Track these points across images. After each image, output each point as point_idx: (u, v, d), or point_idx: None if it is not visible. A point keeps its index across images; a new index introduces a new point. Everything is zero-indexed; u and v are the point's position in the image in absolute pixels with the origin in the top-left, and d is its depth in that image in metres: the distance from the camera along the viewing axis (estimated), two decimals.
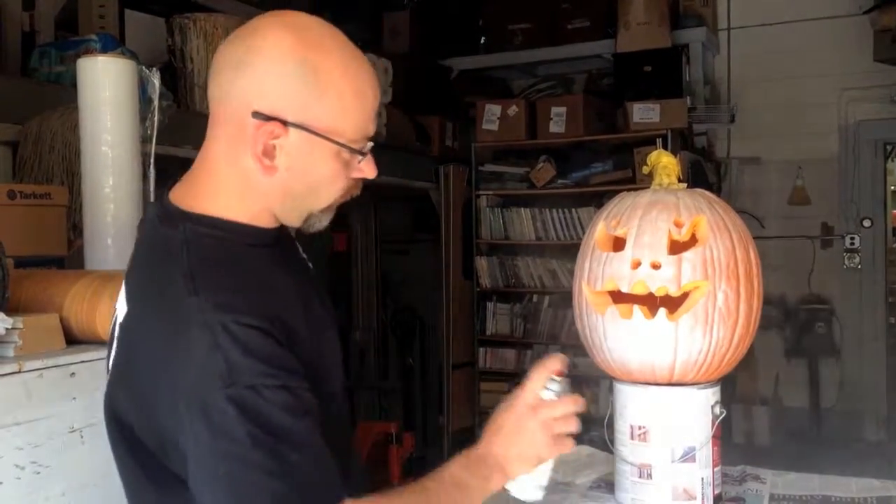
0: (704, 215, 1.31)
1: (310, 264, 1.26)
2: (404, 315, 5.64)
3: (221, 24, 3.24)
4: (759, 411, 5.25)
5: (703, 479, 1.31)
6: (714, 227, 1.30)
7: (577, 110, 5.01)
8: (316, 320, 1.13)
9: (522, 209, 5.22)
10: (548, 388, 1.12)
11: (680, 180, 1.42)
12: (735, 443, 5.09)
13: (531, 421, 1.12)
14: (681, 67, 5.07)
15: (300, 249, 1.26)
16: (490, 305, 5.35)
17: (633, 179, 4.77)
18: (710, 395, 1.33)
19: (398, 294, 5.76)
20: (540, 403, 1.12)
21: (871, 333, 5.35)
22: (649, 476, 1.32)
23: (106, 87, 1.85)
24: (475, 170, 5.30)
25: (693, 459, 1.31)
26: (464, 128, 5.42)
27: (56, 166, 2.37)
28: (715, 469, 1.33)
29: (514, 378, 5.34)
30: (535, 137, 5.14)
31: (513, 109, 5.15)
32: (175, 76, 3.24)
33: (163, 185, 1.69)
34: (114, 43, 2.92)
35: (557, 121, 5.04)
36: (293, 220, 1.11)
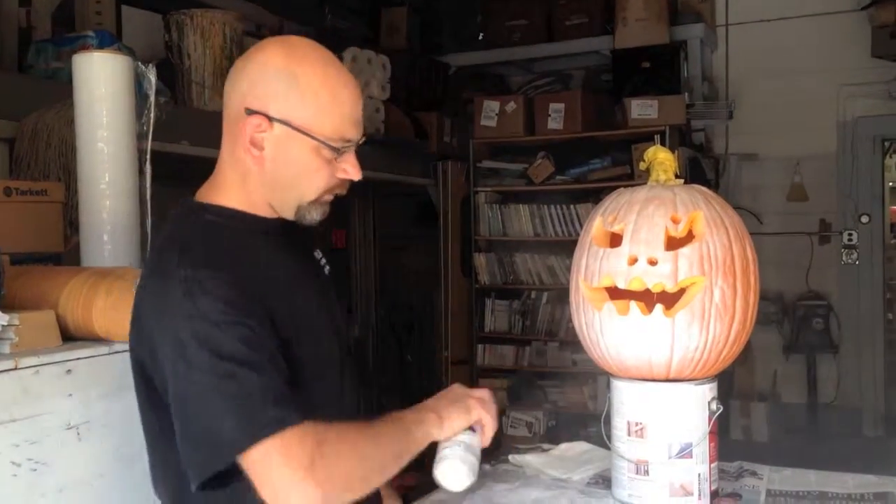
0: (701, 211, 1.31)
1: (327, 267, 1.41)
2: (402, 311, 5.64)
3: (218, 20, 3.23)
4: (757, 407, 5.26)
5: (699, 474, 1.31)
6: (711, 223, 1.30)
7: (576, 107, 5.01)
8: (308, 314, 1.26)
9: (520, 205, 5.22)
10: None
11: (677, 176, 1.42)
12: (733, 439, 5.09)
13: (460, 389, 1.34)
14: (679, 64, 5.06)
15: (319, 253, 1.40)
16: (488, 302, 5.35)
17: (632, 176, 4.77)
18: (707, 391, 1.33)
19: (396, 291, 5.76)
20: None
21: (869, 329, 5.35)
22: (646, 472, 1.32)
23: (102, 83, 1.84)
24: (473, 166, 5.29)
25: (690, 455, 1.31)
26: (462, 124, 5.42)
27: (52, 163, 2.37)
28: (712, 465, 1.33)
29: (512, 374, 5.35)
30: (534, 134, 5.13)
31: (511, 106, 5.15)
32: (172, 72, 3.24)
33: (159, 182, 1.73)
34: (111, 39, 2.92)
35: (555, 117, 5.03)
36: (287, 211, 1.26)
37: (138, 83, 1.96)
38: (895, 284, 6.27)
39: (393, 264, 5.73)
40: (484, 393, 1.33)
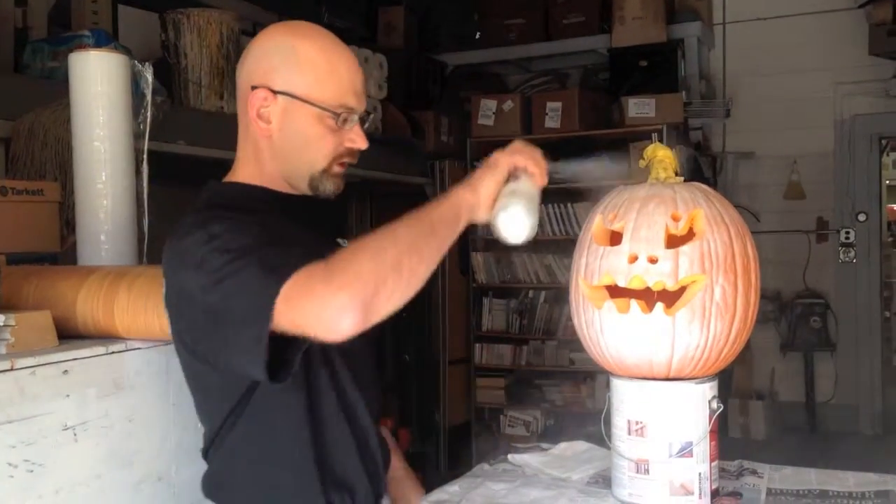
0: (702, 209, 1.30)
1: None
2: (400, 311, 5.61)
3: (215, 20, 3.22)
4: (755, 406, 5.26)
5: (700, 474, 1.31)
6: (711, 221, 1.30)
7: (573, 105, 5.00)
8: None
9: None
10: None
11: (676, 174, 1.41)
12: (731, 437, 5.09)
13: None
14: (676, 62, 5.06)
15: (346, 242, 1.41)
16: (486, 301, 5.35)
17: (630, 174, 4.77)
18: (708, 390, 1.33)
19: None
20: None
21: (867, 327, 5.36)
22: (647, 471, 1.31)
23: (98, 81, 1.83)
24: (471, 165, 5.28)
25: (690, 454, 1.30)
26: (459, 123, 5.41)
27: (48, 162, 2.35)
28: (712, 464, 1.33)
29: (510, 374, 5.35)
30: (531, 132, 5.12)
31: (508, 104, 5.14)
32: (168, 72, 3.22)
33: (155, 182, 1.73)
34: (107, 38, 2.90)
35: (553, 116, 5.03)
36: (300, 183, 1.32)
37: (135, 82, 1.94)
38: (892, 282, 6.28)
39: None
40: (512, 147, 1.30)
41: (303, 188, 1.33)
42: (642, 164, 1.43)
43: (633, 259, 1.29)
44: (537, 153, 1.30)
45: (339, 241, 1.44)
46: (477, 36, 5.80)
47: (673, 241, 1.29)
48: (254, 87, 1.28)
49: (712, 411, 1.33)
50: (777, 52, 5.31)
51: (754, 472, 1.49)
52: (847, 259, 5.36)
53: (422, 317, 5.53)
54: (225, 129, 3.18)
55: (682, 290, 1.28)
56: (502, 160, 1.27)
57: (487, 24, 5.67)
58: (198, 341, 1.21)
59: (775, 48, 5.31)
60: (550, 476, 1.53)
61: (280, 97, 1.27)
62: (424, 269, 1.15)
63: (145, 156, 1.91)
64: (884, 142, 5.57)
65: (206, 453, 1.38)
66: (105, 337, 1.52)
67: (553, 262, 5.17)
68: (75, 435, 1.40)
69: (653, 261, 1.28)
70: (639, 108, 4.81)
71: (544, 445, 1.71)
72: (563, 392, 5.14)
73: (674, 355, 1.29)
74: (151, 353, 1.53)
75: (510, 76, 5.96)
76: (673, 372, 1.31)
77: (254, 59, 1.30)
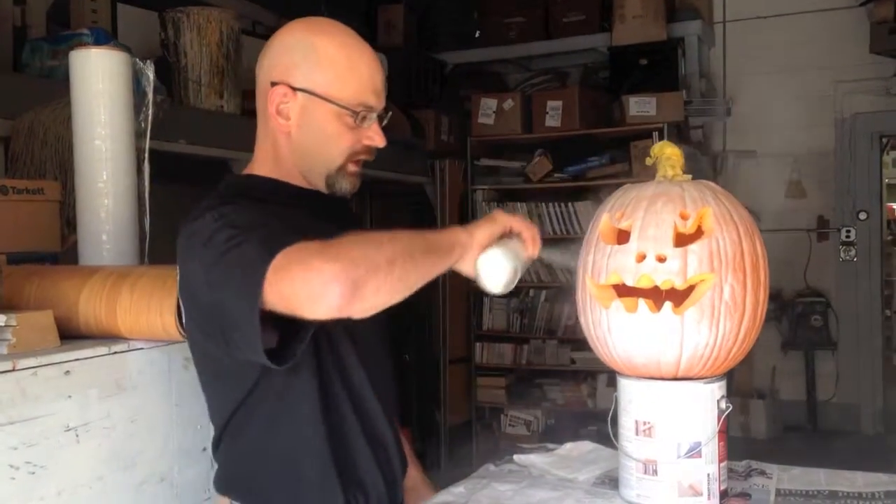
0: (710, 207, 1.29)
1: None
2: (400, 310, 5.60)
3: (215, 18, 3.20)
4: (756, 405, 5.26)
5: (709, 474, 1.29)
6: (720, 219, 1.28)
7: (573, 104, 4.99)
8: None
9: (518, 203, 5.20)
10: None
11: (683, 172, 1.40)
12: (731, 436, 5.07)
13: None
14: (676, 61, 5.05)
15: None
16: (486, 300, 5.34)
17: (630, 173, 4.76)
18: (717, 390, 1.31)
19: None
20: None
21: (867, 326, 5.35)
22: (655, 472, 1.30)
23: (100, 79, 1.82)
24: (471, 164, 5.28)
25: (699, 455, 1.29)
26: (459, 122, 5.40)
27: (48, 161, 2.34)
28: (721, 464, 1.32)
29: (510, 373, 5.34)
30: (531, 131, 5.12)
31: (508, 103, 5.13)
32: (168, 70, 3.21)
33: (155, 182, 1.73)
34: (106, 37, 2.89)
35: (553, 114, 5.02)
36: (317, 180, 1.33)
37: (136, 80, 1.93)
38: (893, 281, 6.27)
39: None
40: (513, 214, 1.35)
41: (319, 185, 1.34)
42: (649, 161, 1.42)
43: (642, 258, 1.28)
44: (535, 228, 1.34)
45: None
46: (477, 34, 5.78)
47: (681, 240, 1.28)
48: (273, 84, 1.29)
49: (721, 411, 1.31)
50: (777, 51, 5.31)
51: (763, 473, 1.48)
52: (848, 258, 5.36)
53: (422, 316, 5.52)
54: (225, 127, 3.20)
55: (691, 288, 1.26)
56: (501, 218, 1.30)
57: (487, 23, 5.66)
58: (207, 320, 1.21)
59: (776, 46, 5.30)
60: (557, 477, 1.52)
61: (300, 94, 1.28)
62: (414, 279, 1.16)
63: (146, 154, 1.89)
64: (884, 140, 5.57)
65: (217, 447, 1.36)
66: (107, 337, 1.51)
67: None
68: (77, 436, 1.39)
69: (661, 259, 1.27)
70: (640, 106, 4.79)
71: (550, 446, 1.69)
72: (563, 391, 5.13)
73: (682, 355, 1.28)
74: (154, 353, 1.52)
75: (510, 75, 5.94)
76: (681, 372, 1.30)
77: (274, 55, 1.31)
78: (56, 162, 2.32)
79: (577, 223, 5.01)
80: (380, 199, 5.49)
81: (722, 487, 1.32)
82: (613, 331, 1.32)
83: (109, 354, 1.45)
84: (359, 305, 1.08)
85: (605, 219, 1.36)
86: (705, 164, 5.19)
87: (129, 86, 1.87)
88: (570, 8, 5.36)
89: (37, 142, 2.38)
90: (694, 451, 1.29)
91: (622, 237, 1.32)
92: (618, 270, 1.30)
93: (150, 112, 1.88)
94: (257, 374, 1.24)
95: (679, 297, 1.27)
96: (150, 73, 1.82)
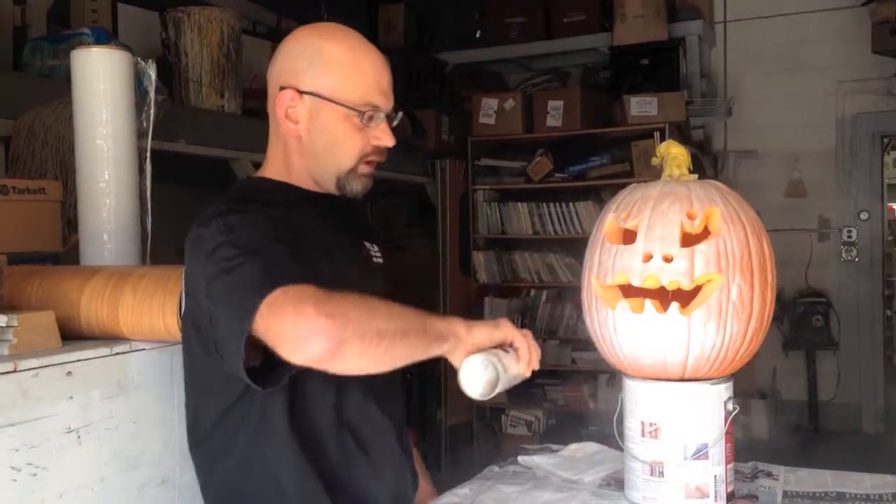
0: (717, 207, 1.28)
1: (379, 259, 1.50)
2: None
3: (216, 18, 3.20)
4: (757, 404, 5.24)
5: (716, 476, 1.29)
6: (727, 219, 1.27)
7: (574, 104, 4.98)
8: (342, 276, 1.29)
9: (519, 203, 5.19)
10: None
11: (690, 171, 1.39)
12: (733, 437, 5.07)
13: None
14: (677, 60, 5.05)
15: (375, 247, 1.48)
16: (487, 300, 5.33)
17: (631, 173, 4.74)
18: (724, 391, 1.31)
19: (395, 289, 5.72)
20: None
21: (869, 326, 5.35)
22: (661, 474, 1.29)
23: (101, 79, 1.80)
24: (472, 164, 5.27)
25: (706, 456, 1.28)
26: (460, 122, 5.39)
27: (49, 161, 2.33)
28: (728, 466, 1.31)
29: None
30: (532, 131, 5.11)
31: (509, 103, 5.12)
32: (169, 70, 3.20)
33: (156, 182, 1.73)
34: (107, 37, 2.88)
35: (554, 114, 5.01)
36: (328, 182, 1.35)
37: (137, 80, 1.92)
38: (894, 281, 6.27)
39: (391, 263, 5.69)
40: (523, 330, 1.32)
41: (330, 188, 1.35)
42: (655, 161, 1.41)
43: (648, 258, 1.27)
44: (537, 353, 1.30)
45: (366, 243, 1.43)
46: (477, 34, 5.78)
47: (688, 240, 1.27)
48: (282, 88, 1.31)
49: (728, 412, 1.31)
50: (778, 51, 5.30)
51: (769, 475, 1.48)
52: (849, 258, 5.35)
53: None
54: (225, 127, 3.19)
55: (698, 289, 1.26)
56: (505, 327, 1.28)
57: (488, 23, 5.65)
58: (204, 323, 1.23)
59: (777, 46, 5.30)
60: (561, 478, 1.51)
61: (307, 97, 1.30)
62: (401, 355, 1.16)
63: (148, 154, 1.88)
64: (886, 140, 5.56)
65: (198, 446, 1.37)
66: (109, 338, 1.50)
67: (554, 261, 5.15)
68: (79, 437, 1.38)
69: (668, 259, 1.26)
70: (641, 106, 4.78)
71: (553, 447, 1.69)
72: (564, 391, 5.11)
73: (689, 356, 1.27)
74: (156, 353, 1.51)
75: (511, 75, 5.93)
76: (688, 373, 1.29)
77: (282, 61, 1.34)
78: (57, 161, 2.31)
79: (578, 223, 5.00)
80: (380, 199, 5.48)
81: (729, 489, 1.31)
82: (619, 332, 1.31)
83: (111, 355, 1.44)
84: (338, 364, 1.10)
85: (610, 219, 1.35)
86: (706, 163, 5.18)
87: (130, 85, 1.85)
88: (570, 8, 5.35)
89: (38, 141, 2.37)
90: (701, 453, 1.28)
91: (628, 237, 1.32)
92: (624, 271, 1.29)
93: (152, 112, 1.87)
94: (242, 388, 1.25)
95: (686, 297, 1.26)
96: (151, 72, 1.81)
